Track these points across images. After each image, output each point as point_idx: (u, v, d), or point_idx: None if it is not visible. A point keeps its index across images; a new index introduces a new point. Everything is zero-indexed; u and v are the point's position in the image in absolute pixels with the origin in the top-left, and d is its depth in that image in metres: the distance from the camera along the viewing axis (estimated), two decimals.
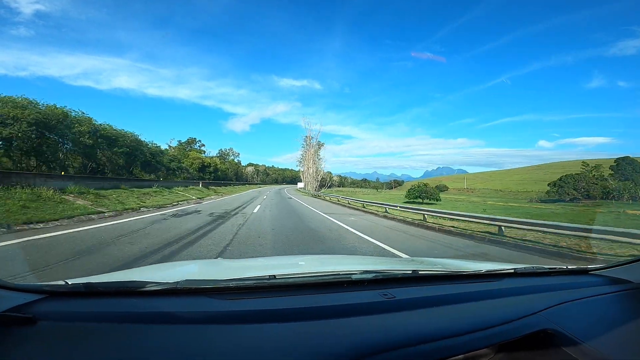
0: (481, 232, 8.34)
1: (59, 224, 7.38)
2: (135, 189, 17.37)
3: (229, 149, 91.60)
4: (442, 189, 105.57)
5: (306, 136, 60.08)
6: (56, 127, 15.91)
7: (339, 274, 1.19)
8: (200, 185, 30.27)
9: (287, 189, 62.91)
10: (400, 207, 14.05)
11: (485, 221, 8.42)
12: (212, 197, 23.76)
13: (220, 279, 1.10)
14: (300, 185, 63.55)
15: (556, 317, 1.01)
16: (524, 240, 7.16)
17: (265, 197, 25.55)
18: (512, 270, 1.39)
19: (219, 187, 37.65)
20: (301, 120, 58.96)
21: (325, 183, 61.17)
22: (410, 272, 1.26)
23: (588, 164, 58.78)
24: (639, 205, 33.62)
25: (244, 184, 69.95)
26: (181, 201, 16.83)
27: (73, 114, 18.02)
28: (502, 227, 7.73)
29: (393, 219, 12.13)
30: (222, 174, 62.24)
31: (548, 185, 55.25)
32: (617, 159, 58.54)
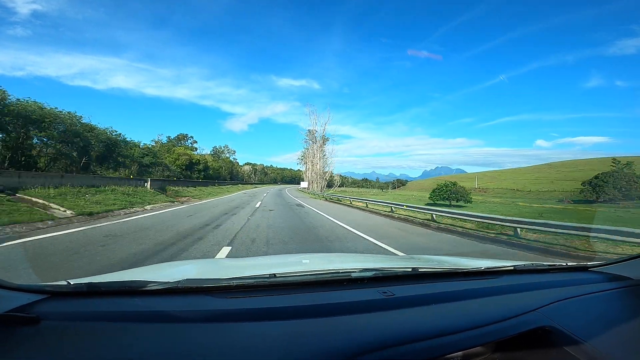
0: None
1: None
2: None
3: (224, 147, 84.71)
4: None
5: (309, 130, 52.07)
6: None
7: (338, 272, 1.19)
8: (148, 186, 18.14)
9: (288, 189, 56.16)
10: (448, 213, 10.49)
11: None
12: (150, 207, 11.57)
13: (221, 278, 1.09)
14: (303, 185, 54.86)
15: (554, 314, 1.00)
16: None
17: (259, 204, 15.20)
18: (512, 268, 1.39)
19: (204, 188, 30.64)
20: (305, 109, 51.17)
21: (334, 182, 53.37)
22: (410, 269, 1.27)
23: (619, 161, 52.78)
24: None
25: (237, 184, 60.51)
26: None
27: None
28: None
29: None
30: (214, 173, 55.49)
31: (582, 184, 49.39)
32: None
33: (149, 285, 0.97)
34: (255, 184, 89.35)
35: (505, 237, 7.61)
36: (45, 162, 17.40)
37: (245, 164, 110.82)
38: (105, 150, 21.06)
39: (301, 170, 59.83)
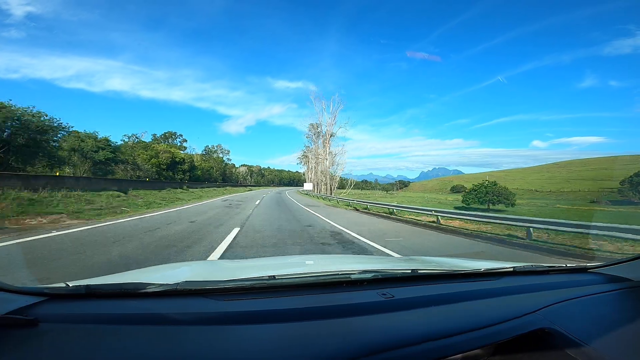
0: None
1: None
2: None
3: (216, 146, 77.60)
4: (460, 189, 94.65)
5: (312, 124, 44.03)
6: None
7: (337, 274, 1.19)
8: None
9: (288, 191, 49.24)
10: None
11: None
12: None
13: (220, 280, 1.09)
14: (307, 186, 46.53)
15: (554, 316, 0.99)
16: None
17: (235, 232, 6.60)
18: (512, 269, 1.37)
19: (178, 191, 24.30)
20: (310, 95, 42.89)
21: (347, 184, 43.24)
22: (410, 271, 1.26)
23: None
24: None
25: (224, 186, 49.81)
26: None
27: None
28: None
29: None
30: (203, 174, 48.89)
31: (620, 183, 43.73)
32: None
33: (147, 287, 0.96)
34: (250, 186, 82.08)
35: None
36: None
37: (241, 165, 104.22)
38: (30, 141, 14.47)
39: (299, 172, 52.39)
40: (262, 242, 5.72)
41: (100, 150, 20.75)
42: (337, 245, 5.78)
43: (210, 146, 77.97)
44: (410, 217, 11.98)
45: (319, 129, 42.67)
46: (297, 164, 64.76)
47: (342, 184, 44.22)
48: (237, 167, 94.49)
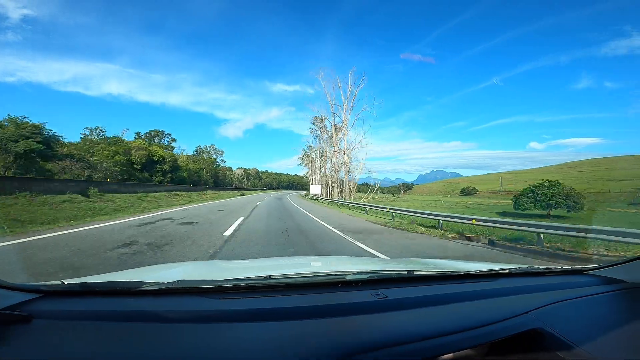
0: None
1: None
2: None
3: (209, 146, 70.93)
4: (471, 191, 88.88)
5: (316, 117, 36.41)
6: None
7: (333, 275, 1.20)
8: None
9: (289, 195, 42.02)
10: None
11: None
12: None
13: (216, 279, 1.10)
14: (314, 190, 35.70)
15: (547, 317, 0.99)
16: None
17: None
18: (507, 271, 1.35)
19: (134, 197, 16.72)
20: (318, 75, 31.28)
21: (372, 188, 32.96)
22: (405, 272, 1.25)
23: None
24: None
25: (203, 190, 36.52)
26: None
27: None
28: None
29: None
30: (191, 176, 42.56)
31: None
32: None
33: (143, 285, 0.96)
34: (246, 189, 75.27)
35: None
36: None
37: (238, 168, 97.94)
38: None
39: (299, 175, 45.51)
40: None
41: (21, 140, 14.48)
42: None
43: (202, 146, 71.29)
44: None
45: (324, 123, 36.18)
46: (298, 164, 58.53)
47: (359, 189, 35.27)
48: (232, 170, 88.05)
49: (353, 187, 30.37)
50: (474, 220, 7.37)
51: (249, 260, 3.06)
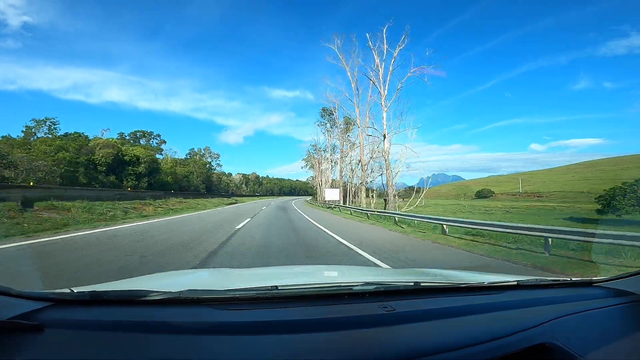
0: None
1: None
2: None
3: (204, 149, 64.64)
4: (487, 194, 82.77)
5: (324, 109, 32.03)
6: None
7: (340, 286, 1.21)
8: None
9: (295, 201, 35.62)
10: None
11: None
12: None
13: (223, 289, 1.10)
14: (329, 195, 28.68)
15: (556, 331, 0.98)
16: None
17: None
18: (515, 283, 1.33)
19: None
20: (333, 45, 21.28)
21: (418, 194, 21.24)
22: (412, 284, 1.25)
23: None
24: None
25: (183, 197, 26.85)
26: None
27: None
28: None
29: None
30: (177, 180, 36.46)
31: None
32: None
33: (150, 294, 0.97)
34: (244, 196, 69.11)
35: None
36: None
37: (237, 174, 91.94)
38: None
39: (301, 180, 39.49)
40: None
41: None
42: None
43: (195, 149, 65.07)
44: None
45: (336, 114, 29.85)
46: (302, 167, 52.47)
47: (407, 194, 25.13)
48: (230, 175, 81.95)
49: (393, 193, 19.40)
50: None
51: (257, 269, 3.07)
